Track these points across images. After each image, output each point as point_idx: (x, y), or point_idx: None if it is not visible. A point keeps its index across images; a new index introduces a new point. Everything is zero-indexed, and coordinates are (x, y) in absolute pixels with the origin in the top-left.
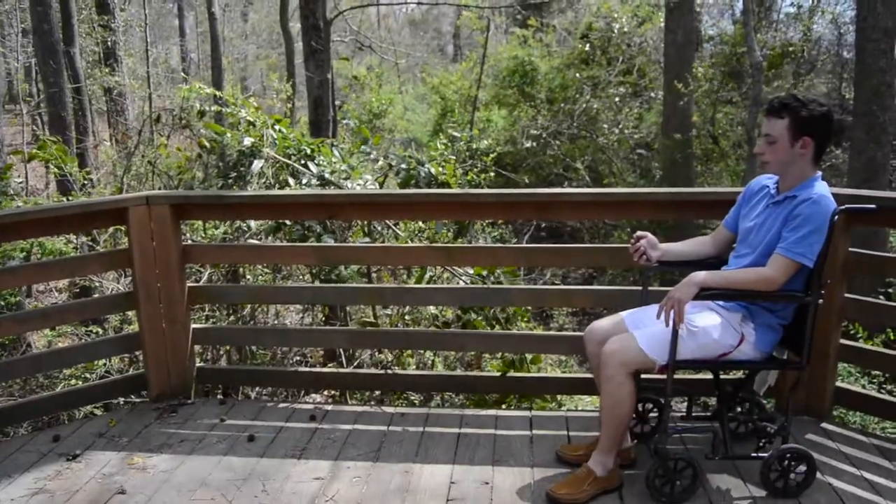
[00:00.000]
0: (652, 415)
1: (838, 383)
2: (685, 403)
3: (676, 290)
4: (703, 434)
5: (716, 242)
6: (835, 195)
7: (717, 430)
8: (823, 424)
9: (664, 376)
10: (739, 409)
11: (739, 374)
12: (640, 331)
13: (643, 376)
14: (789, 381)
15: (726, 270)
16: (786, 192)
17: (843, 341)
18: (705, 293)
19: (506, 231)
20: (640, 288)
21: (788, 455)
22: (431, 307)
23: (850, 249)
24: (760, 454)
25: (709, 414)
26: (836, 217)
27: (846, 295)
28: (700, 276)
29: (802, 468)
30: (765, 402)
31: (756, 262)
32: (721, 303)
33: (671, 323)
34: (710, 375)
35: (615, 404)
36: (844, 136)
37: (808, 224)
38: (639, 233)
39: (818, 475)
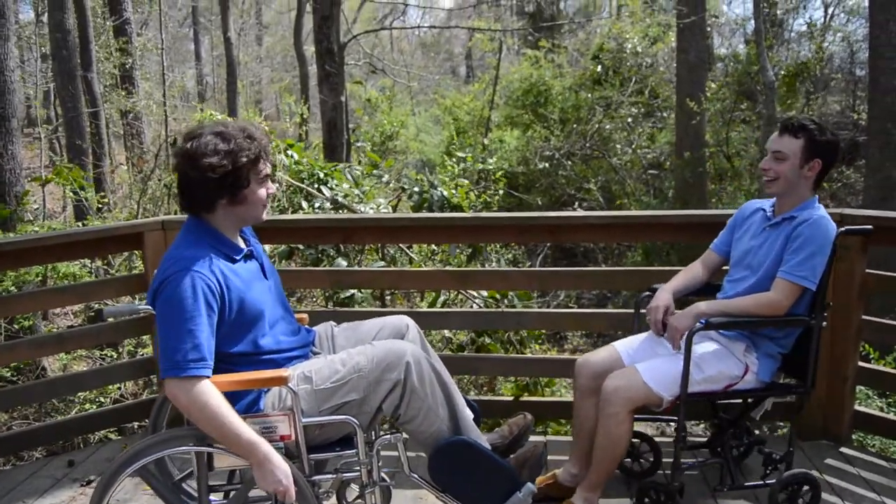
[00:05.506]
0: (645, 452)
1: (857, 407)
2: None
3: (677, 321)
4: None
5: (707, 268)
6: (855, 217)
7: (723, 462)
8: (843, 449)
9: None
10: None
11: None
12: (642, 365)
13: None
14: (794, 407)
15: (725, 298)
16: (783, 213)
17: (861, 364)
18: (711, 325)
19: (518, 252)
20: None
21: (795, 481)
22: (445, 330)
23: (868, 271)
24: (767, 481)
25: (703, 441)
26: (837, 239)
27: (863, 317)
28: (700, 307)
29: (809, 493)
30: (750, 426)
31: (759, 284)
32: (723, 332)
33: (681, 357)
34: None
35: (614, 443)
36: (858, 154)
37: (808, 245)
38: (656, 315)
39: (840, 502)
